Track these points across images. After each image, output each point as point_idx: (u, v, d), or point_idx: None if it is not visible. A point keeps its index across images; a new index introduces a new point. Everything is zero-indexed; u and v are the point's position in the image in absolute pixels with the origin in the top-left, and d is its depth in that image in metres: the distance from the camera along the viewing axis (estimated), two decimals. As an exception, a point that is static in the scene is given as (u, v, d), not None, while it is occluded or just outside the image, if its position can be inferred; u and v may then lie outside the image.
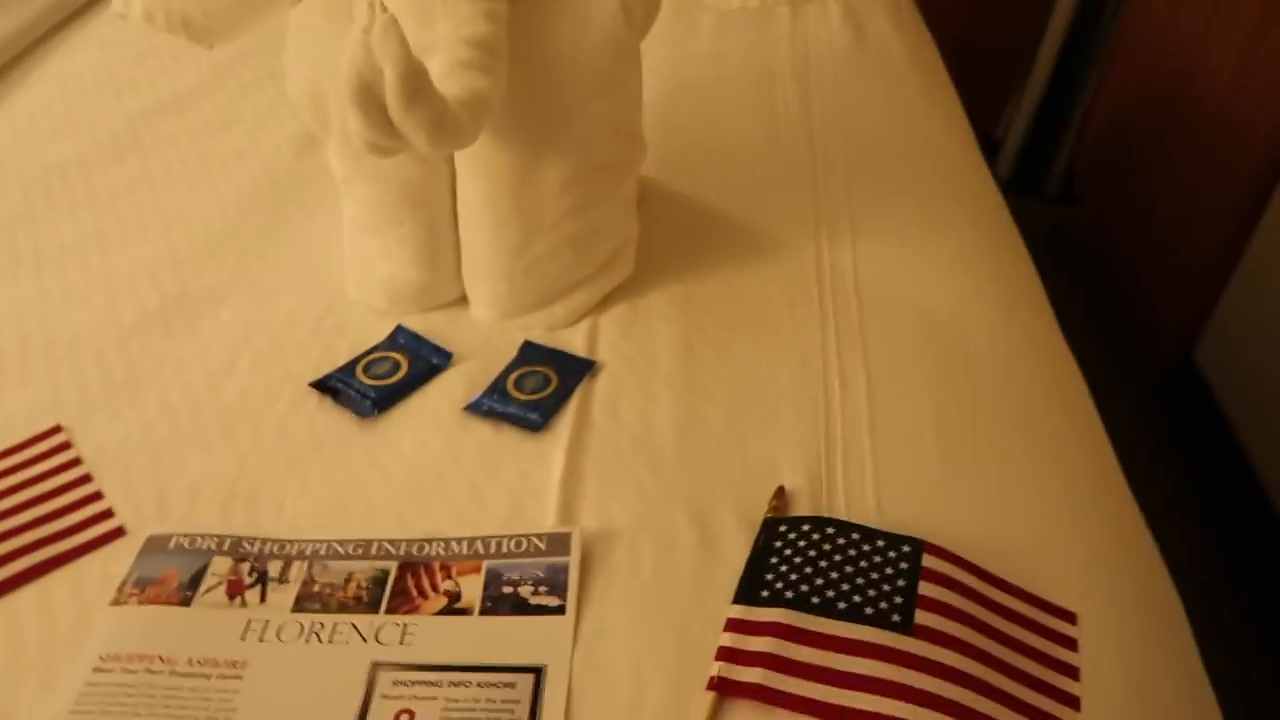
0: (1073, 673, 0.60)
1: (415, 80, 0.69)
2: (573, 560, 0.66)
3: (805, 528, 0.66)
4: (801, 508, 0.70)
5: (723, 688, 0.58)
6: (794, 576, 0.63)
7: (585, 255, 0.90)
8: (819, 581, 0.62)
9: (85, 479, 0.74)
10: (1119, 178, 1.94)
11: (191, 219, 1.04)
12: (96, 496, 0.72)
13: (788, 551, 0.65)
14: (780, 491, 0.71)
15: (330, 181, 1.09)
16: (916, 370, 0.82)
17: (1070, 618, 0.62)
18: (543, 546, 0.67)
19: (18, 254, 0.98)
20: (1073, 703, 0.58)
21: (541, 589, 0.64)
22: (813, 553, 0.64)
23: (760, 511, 0.70)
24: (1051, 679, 0.59)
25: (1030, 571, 0.65)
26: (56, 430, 0.78)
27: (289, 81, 0.86)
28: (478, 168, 0.85)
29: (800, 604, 0.61)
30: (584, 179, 0.86)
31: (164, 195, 1.07)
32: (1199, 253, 1.59)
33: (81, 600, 0.65)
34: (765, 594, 0.62)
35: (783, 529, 0.67)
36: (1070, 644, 0.61)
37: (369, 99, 0.69)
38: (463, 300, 0.93)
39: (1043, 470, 0.74)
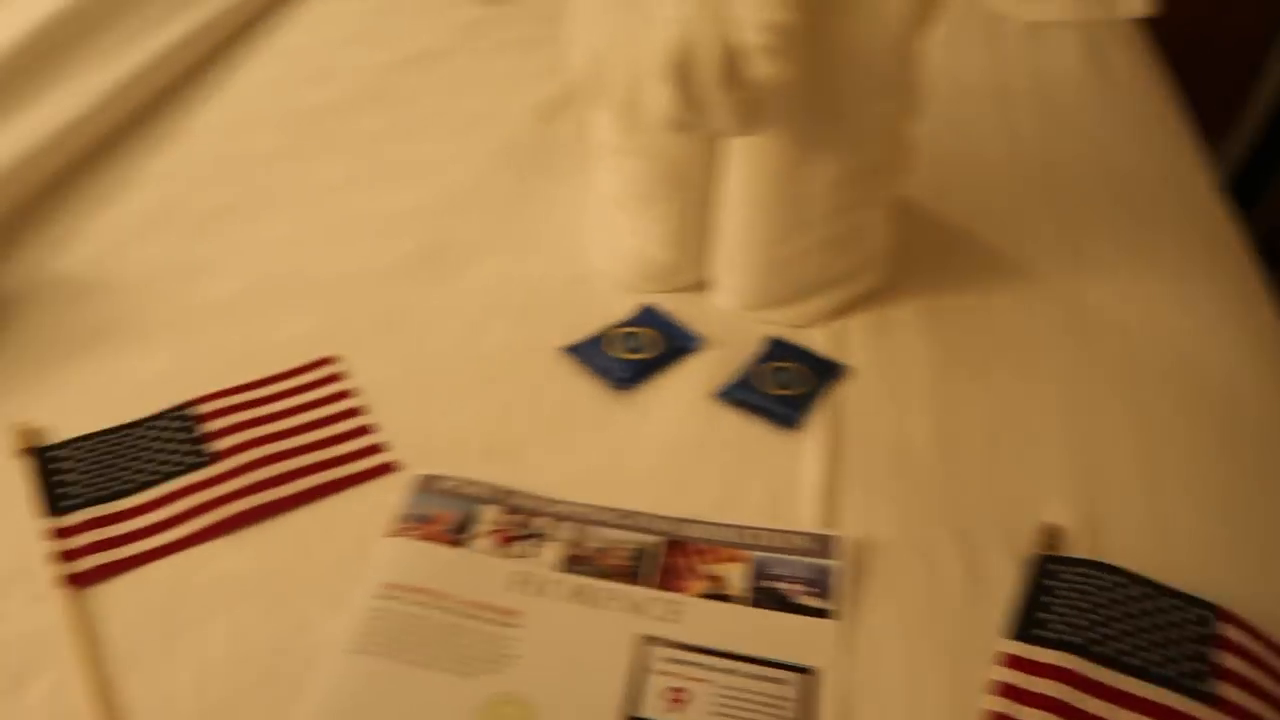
0: None
1: (739, 61, 0.69)
2: (841, 565, 0.65)
3: (1087, 570, 0.64)
4: (1070, 550, 0.68)
5: None
6: (1079, 621, 0.60)
7: (840, 257, 0.89)
8: (1105, 630, 0.59)
9: (355, 411, 0.77)
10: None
11: (441, 173, 1.06)
12: (366, 430, 0.75)
13: (1067, 593, 0.62)
14: (1053, 529, 0.69)
15: (572, 150, 1.11)
16: (1192, 427, 0.78)
17: None
18: (808, 546, 0.67)
19: (278, 191, 1.03)
20: None
21: (809, 589, 0.64)
22: (1096, 599, 0.62)
23: (1025, 543, 0.68)
24: None
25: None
26: (329, 361, 0.81)
27: (569, 48, 0.87)
28: (750, 156, 0.85)
29: (1086, 651, 0.59)
30: (853, 179, 0.85)
31: (413, 147, 1.11)
32: None
33: (359, 527, 0.68)
34: (1045, 634, 0.60)
35: (1058, 568, 0.65)
36: None
37: (686, 75, 0.70)
38: (701, 285, 0.93)
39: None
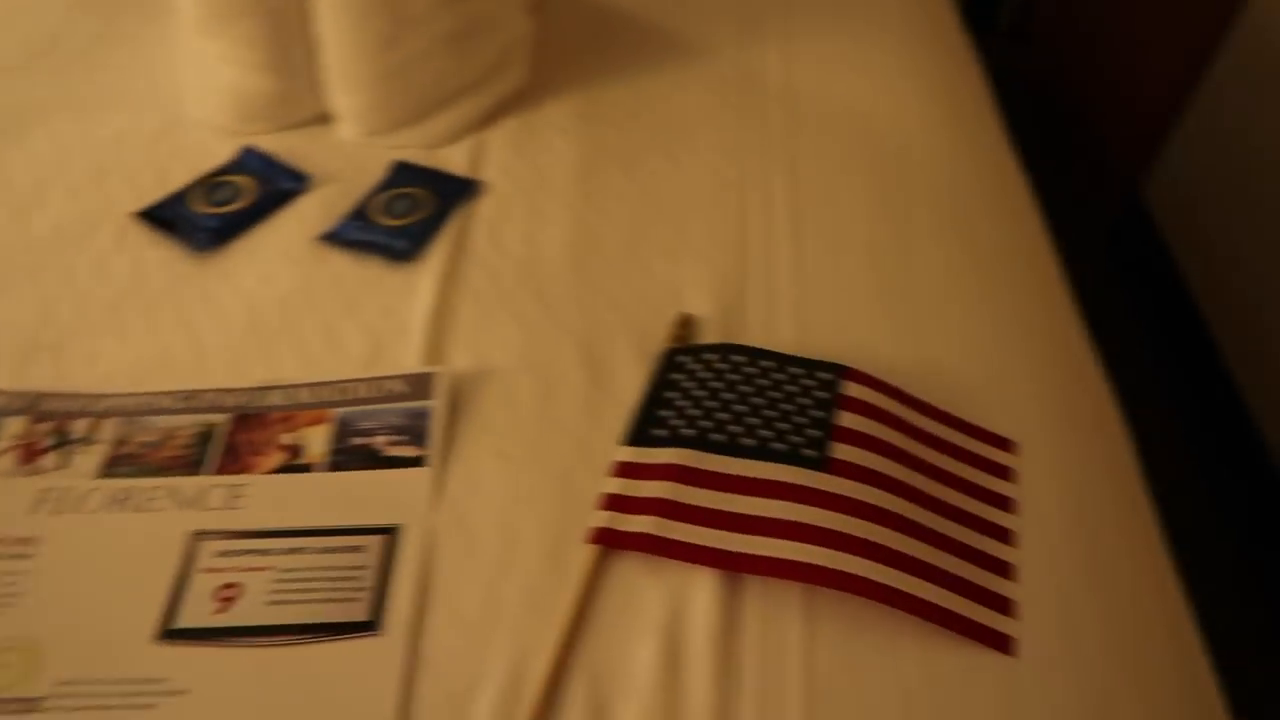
0: (1004, 503, 0.52)
1: None
2: (437, 405, 0.56)
3: (709, 357, 0.56)
4: (709, 336, 0.60)
5: (604, 540, 0.49)
6: (695, 412, 0.53)
7: (465, 57, 0.76)
8: (723, 416, 0.53)
9: None
10: (1074, 14, 1.80)
11: (6, 27, 0.87)
12: None
13: (688, 384, 0.55)
14: (686, 320, 0.60)
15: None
16: (847, 180, 0.71)
17: (1007, 445, 0.54)
18: (403, 390, 0.57)
19: None
20: (1002, 535, 0.50)
21: (399, 439, 0.54)
22: (717, 384, 0.54)
23: (661, 342, 0.60)
24: (982, 512, 0.51)
25: (969, 397, 0.57)
26: None
27: None
28: (331, -54, 0.70)
29: (700, 443, 0.51)
30: (458, -42, 0.72)
31: (-29, 5, 0.91)
32: (1150, 92, 1.48)
33: None
34: (661, 433, 0.53)
35: (683, 359, 0.57)
36: (1004, 473, 0.53)
37: None
38: (324, 118, 0.79)
39: (983, 287, 0.64)
